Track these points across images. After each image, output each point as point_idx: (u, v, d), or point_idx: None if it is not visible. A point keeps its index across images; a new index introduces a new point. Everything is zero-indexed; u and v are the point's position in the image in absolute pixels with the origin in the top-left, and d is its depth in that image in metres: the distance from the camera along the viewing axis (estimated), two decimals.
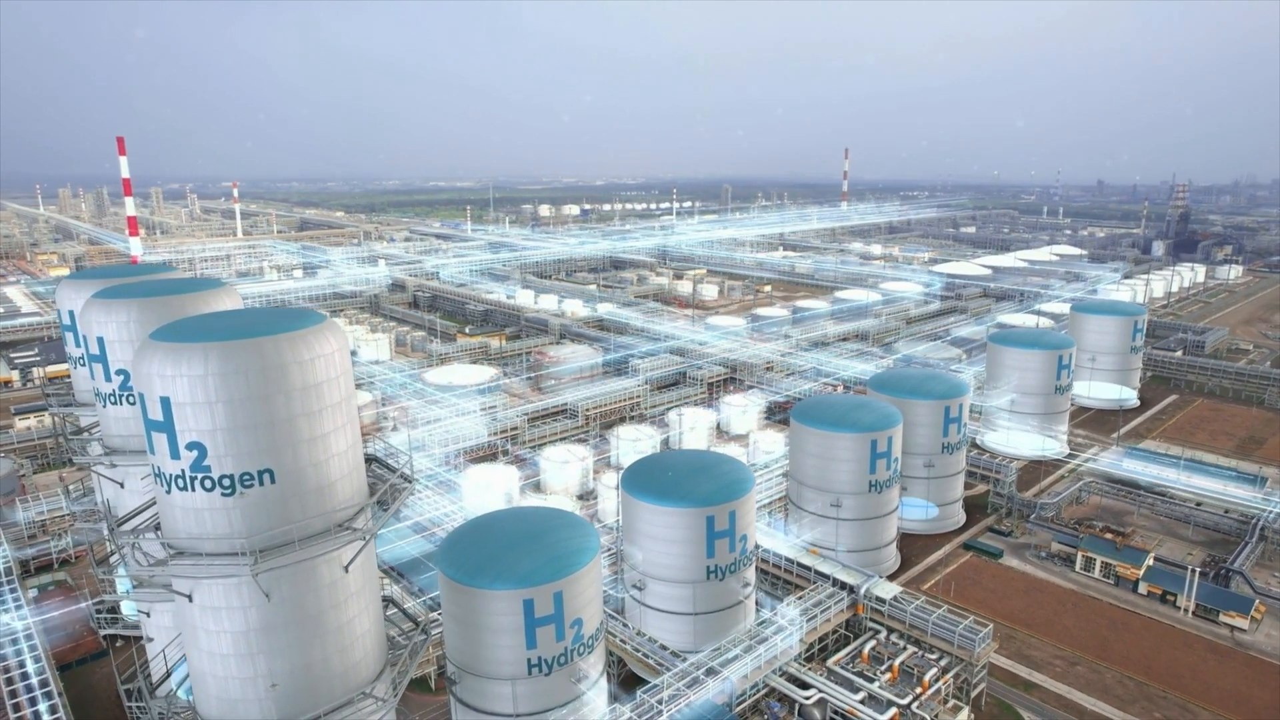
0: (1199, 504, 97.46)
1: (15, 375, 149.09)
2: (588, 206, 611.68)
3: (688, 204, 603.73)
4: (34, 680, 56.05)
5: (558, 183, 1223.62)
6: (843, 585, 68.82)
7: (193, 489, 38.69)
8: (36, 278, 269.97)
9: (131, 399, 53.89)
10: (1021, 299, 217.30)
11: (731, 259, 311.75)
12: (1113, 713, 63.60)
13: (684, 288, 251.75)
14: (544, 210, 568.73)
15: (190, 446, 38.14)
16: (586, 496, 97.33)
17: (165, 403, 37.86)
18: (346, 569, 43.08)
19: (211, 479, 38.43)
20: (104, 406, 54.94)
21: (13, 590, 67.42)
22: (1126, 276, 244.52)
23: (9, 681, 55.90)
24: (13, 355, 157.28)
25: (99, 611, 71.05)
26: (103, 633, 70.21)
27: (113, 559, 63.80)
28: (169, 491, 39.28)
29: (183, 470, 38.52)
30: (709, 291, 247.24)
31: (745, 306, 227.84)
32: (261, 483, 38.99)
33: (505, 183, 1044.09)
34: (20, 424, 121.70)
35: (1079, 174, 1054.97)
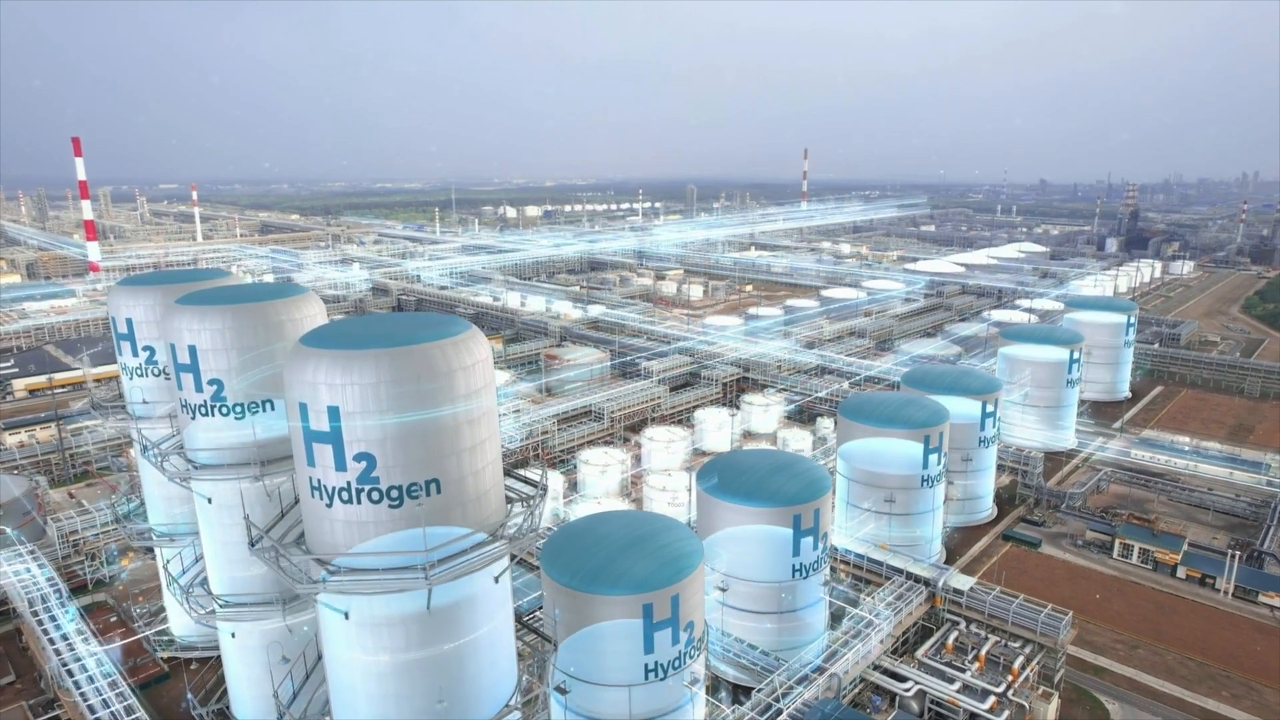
0: (1210, 489, 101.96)
1: None
2: (550, 208, 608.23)
3: (648, 204, 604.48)
4: (119, 708, 53.28)
5: (508, 184, 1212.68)
6: (918, 579, 69.90)
7: (358, 501, 37.42)
8: None
9: (225, 409, 51.71)
10: (1000, 296, 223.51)
11: (707, 259, 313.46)
12: (1183, 693, 65.96)
13: (668, 288, 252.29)
14: (510, 212, 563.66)
15: (358, 458, 36.87)
16: (628, 499, 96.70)
17: (333, 412, 36.50)
18: (497, 580, 42.18)
19: (380, 490, 37.21)
20: (193, 418, 52.45)
21: (68, 615, 63.96)
22: (1103, 271, 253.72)
23: (92, 709, 53.05)
24: None
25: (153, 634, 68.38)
26: (159, 654, 67.33)
27: (183, 579, 61.16)
28: (330, 505, 37.87)
29: (348, 482, 37.22)
30: (694, 292, 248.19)
31: (732, 306, 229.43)
32: (428, 493, 37.91)
33: (455, 184, 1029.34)
34: (11, 439, 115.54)
35: (1021, 173, 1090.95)
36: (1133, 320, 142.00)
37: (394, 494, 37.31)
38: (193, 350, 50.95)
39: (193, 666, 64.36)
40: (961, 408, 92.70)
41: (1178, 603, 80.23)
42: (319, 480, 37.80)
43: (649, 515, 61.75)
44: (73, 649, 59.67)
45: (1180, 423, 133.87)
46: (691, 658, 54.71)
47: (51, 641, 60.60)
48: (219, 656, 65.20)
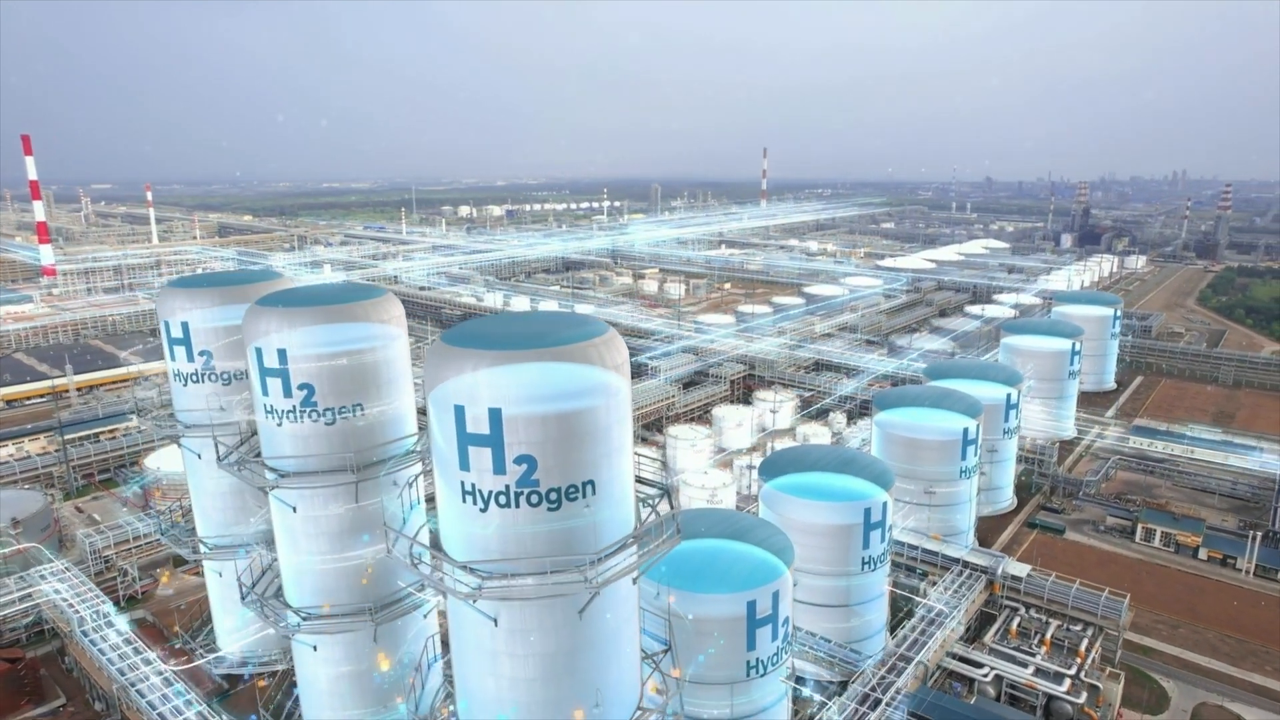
0: (1211, 474, 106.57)
1: None
2: (512, 207, 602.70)
3: (611, 203, 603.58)
4: None
5: (459, 183, 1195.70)
6: (976, 567, 71.46)
7: (516, 505, 36.63)
8: None
9: (315, 414, 50.06)
10: (975, 292, 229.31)
11: (681, 257, 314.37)
12: (1230, 670, 68.82)
13: (649, 287, 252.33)
14: (474, 212, 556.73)
15: (519, 460, 36.08)
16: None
17: (494, 415, 35.66)
18: (635, 581, 41.77)
19: (539, 494, 36.49)
20: (278, 425, 50.59)
21: (121, 635, 61.09)
22: (1068, 266, 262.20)
23: None
24: None
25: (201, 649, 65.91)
26: (216, 672, 64.87)
27: (251, 596, 58.99)
28: (485, 509, 36.98)
29: (507, 486, 36.39)
30: (675, 290, 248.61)
31: (714, 305, 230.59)
32: (584, 495, 37.34)
33: (404, 183, 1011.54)
34: (1, 451, 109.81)
35: (965, 171, 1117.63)
36: (1118, 313, 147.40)
37: (553, 496, 36.65)
38: (282, 354, 49.20)
39: (264, 682, 62.08)
40: (986, 400, 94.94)
41: (1204, 583, 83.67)
42: (473, 484, 36.86)
43: (733, 513, 61.98)
44: (136, 668, 56.95)
45: (1166, 411, 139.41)
46: (787, 653, 55.16)
47: (111, 662, 57.79)
48: (278, 670, 63.55)
